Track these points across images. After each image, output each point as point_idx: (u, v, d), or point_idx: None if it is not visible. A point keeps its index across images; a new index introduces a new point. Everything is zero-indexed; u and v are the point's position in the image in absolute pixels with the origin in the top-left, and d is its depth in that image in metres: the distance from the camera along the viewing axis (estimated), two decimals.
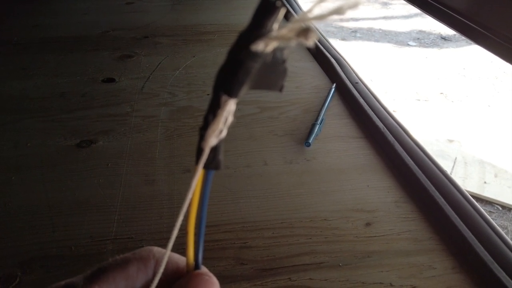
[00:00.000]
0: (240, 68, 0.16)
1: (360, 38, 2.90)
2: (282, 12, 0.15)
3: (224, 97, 0.17)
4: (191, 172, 0.49)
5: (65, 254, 0.38)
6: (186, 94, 0.64)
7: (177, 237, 0.18)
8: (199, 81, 0.68)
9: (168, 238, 0.42)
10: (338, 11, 0.14)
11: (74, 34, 0.84)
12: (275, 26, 0.16)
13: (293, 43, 0.15)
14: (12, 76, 0.68)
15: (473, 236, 0.39)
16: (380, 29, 3.05)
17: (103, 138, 0.54)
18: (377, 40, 2.89)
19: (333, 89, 0.65)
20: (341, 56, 0.75)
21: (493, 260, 0.37)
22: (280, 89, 0.19)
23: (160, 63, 0.73)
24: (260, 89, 0.18)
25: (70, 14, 0.94)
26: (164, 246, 0.22)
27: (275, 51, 0.16)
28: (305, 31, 0.15)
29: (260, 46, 0.15)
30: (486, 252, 0.38)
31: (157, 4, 1.02)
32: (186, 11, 0.98)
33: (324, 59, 0.74)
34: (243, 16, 0.96)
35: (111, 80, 0.67)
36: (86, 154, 0.51)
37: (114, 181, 0.47)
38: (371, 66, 2.47)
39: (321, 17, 0.15)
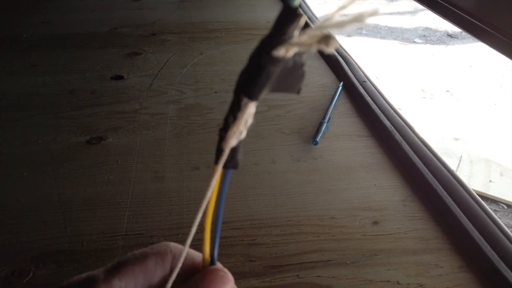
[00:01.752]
0: (261, 73, 0.16)
1: (366, 35, 2.89)
2: (303, 20, 0.16)
3: (245, 100, 0.17)
4: (200, 170, 0.49)
5: (77, 249, 0.39)
6: (194, 92, 0.65)
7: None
8: (207, 78, 0.69)
9: (177, 234, 0.42)
10: (358, 18, 0.15)
11: (82, 31, 0.84)
12: (296, 32, 0.16)
13: (314, 49, 0.16)
14: (22, 73, 0.68)
15: (480, 236, 0.40)
16: (386, 26, 3.04)
17: (113, 135, 0.54)
18: (383, 37, 2.88)
19: (340, 88, 0.65)
20: (348, 55, 0.75)
21: (500, 259, 0.37)
22: (298, 91, 0.19)
23: (167, 60, 0.74)
24: (278, 91, 0.19)
25: (78, 11, 0.95)
26: (175, 242, 0.23)
27: (294, 55, 0.17)
28: (326, 38, 0.15)
29: (281, 52, 0.16)
30: (493, 252, 0.38)
31: (163, 1, 1.02)
32: (193, 9, 0.98)
33: (331, 58, 0.74)
34: (250, 14, 0.96)
35: (119, 78, 0.68)
36: (96, 150, 0.52)
37: (124, 177, 0.48)
38: (377, 63, 2.46)
39: (341, 25, 0.15)
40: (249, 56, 0.17)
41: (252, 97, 0.17)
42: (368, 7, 0.15)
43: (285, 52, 0.16)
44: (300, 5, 0.15)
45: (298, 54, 0.17)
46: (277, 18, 0.16)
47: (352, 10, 0.15)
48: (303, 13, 0.16)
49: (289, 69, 0.17)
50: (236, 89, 0.17)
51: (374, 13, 0.15)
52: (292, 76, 0.18)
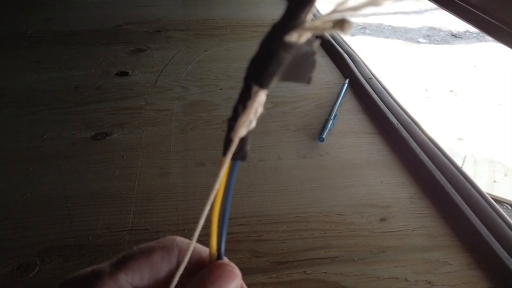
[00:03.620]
0: (273, 59, 0.16)
1: (370, 35, 2.88)
2: (316, 3, 0.15)
3: (255, 88, 0.17)
4: (205, 166, 0.49)
5: (83, 244, 0.39)
6: (199, 88, 0.65)
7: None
8: (212, 75, 0.68)
9: (183, 230, 0.42)
10: (374, 2, 0.14)
11: (87, 27, 0.84)
12: (309, 17, 0.16)
13: (328, 33, 0.15)
14: (27, 69, 0.68)
15: (488, 233, 0.39)
16: (389, 25, 3.03)
17: (118, 131, 0.54)
18: (386, 37, 2.87)
19: (346, 85, 0.65)
20: (354, 52, 0.74)
21: (509, 257, 0.37)
22: (308, 81, 0.19)
23: (172, 57, 0.74)
24: (288, 81, 0.18)
25: (83, 8, 0.95)
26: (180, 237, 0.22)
27: (305, 43, 0.16)
28: (340, 22, 0.15)
29: (293, 37, 0.15)
30: (502, 249, 0.38)
31: None
32: (198, 6, 0.98)
33: (336, 54, 0.74)
34: (255, 11, 0.96)
35: (124, 74, 0.68)
36: (101, 146, 0.52)
37: (129, 173, 0.47)
38: (381, 63, 2.45)
39: (356, 8, 0.15)
40: (260, 42, 0.16)
41: (263, 84, 0.17)
42: None
43: (297, 37, 0.15)
44: None
45: (309, 42, 0.17)
46: (290, 2, 0.15)
47: None
48: None
49: (299, 57, 0.17)
50: (246, 77, 0.17)
51: None
52: (303, 65, 0.18)
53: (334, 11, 0.15)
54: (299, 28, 0.15)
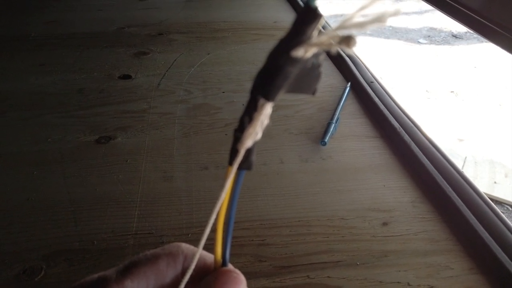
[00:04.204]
0: (279, 73, 0.16)
1: (370, 35, 2.89)
2: (322, 20, 0.16)
3: (261, 100, 0.17)
4: (208, 170, 0.49)
5: (88, 248, 0.39)
6: (202, 92, 0.65)
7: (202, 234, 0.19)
8: (214, 78, 0.69)
9: (187, 234, 0.42)
10: (379, 19, 0.15)
11: (90, 30, 0.85)
12: (315, 33, 0.16)
13: (334, 50, 0.16)
14: (30, 72, 0.69)
15: (490, 237, 0.40)
16: (390, 26, 3.03)
17: (121, 135, 0.55)
18: (387, 37, 2.88)
19: (348, 88, 0.65)
20: (356, 55, 0.75)
21: (510, 261, 0.37)
22: (314, 92, 0.19)
23: (175, 60, 0.74)
24: (294, 92, 0.19)
25: (85, 10, 0.95)
26: (185, 242, 0.23)
27: (312, 56, 0.17)
28: (346, 39, 0.15)
29: (300, 52, 0.16)
30: (503, 254, 0.38)
31: (170, 0, 1.03)
32: (200, 8, 0.99)
33: (338, 58, 0.74)
34: (257, 14, 0.96)
35: (127, 77, 0.68)
36: (105, 150, 0.52)
37: (133, 177, 0.48)
38: (381, 63, 2.45)
39: (362, 25, 0.15)
40: (267, 56, 0.17)
41: (269, 97, 0.17)
42: (389, 7, 0.15)
43: (304, 52, 0.16)
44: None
45: (315, 55, 0.17)
46: (297, 18, 0.16)
47: (372, 10, 0.15)
48: (322, 14, 0.16)
49: (305, 70, 0.17)
50: (252, 89, 0.17)
51: (396, 13, 0.15)
52: (308, 77, 0.18)
53: (340, 27, 0.15)
54: (306, 44, 0.16)
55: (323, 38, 0.16)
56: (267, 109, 0.17)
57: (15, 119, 0.57)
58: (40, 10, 0.94)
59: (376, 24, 0.15)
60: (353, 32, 0.15)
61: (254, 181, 0.48)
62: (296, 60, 0.16)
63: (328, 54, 0.75)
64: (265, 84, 0.17)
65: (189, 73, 0.70)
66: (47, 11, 0.94)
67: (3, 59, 0.73)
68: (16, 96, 0.62)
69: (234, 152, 0.18)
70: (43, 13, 0.93)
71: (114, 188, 0.46)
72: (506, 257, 0.38)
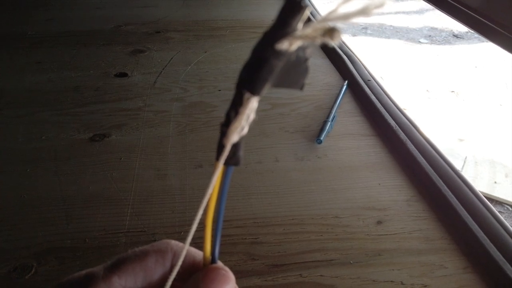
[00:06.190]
0: (264, 66, 0.16)
1: (371, 35, 2.88)
2: (307, 12, 0.15)
3: (247, 95, 0.17)
4: (203, 167, 0.49)
5: (79, 246, 0.39)
6: (198, 90, 0.65)
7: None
8: (211, 76, 0.69)
9: (180, 232, 0.42)
10: (364, 11, 0.14)
11: (87, 28, 0.84)
12: (300, 25, 0.16)
13: (318, 42, 0.15)
14: (26, 70, 0.68)
15: (485, 236, 0.39)
16: (391, 25, 3.03)
17: (116, 132, 0.54)
18: (388, 37, 2.87)
19: (345, 86, 0.65)
20: (353, 53, 0.74)
21: (505, 261, 0.37)
22: (301, 87, 0.19)
23: (172, 58, 0.74)
24: (281, 87, 0.18)
25: (83, 8, 0.95)
26: (176, 240, 0.22)
27: (298, 50, 0.16)
28: (330, 31, 0.15)
29: (284, 45, 0.15)
30: (498, 253, 0.38)
31: None
32: (198, 6, 0.98)
33: (336, 56, 0.74)
34: (254, 12, 0.96)
35: (123, 75, 0.68)
36: (99, 147, 0.52)
37: (126, 175, 0.47)
38: (382, 63, 2.45)
39: (346, 17, 0.15)
40: (251, 49, 0.16)
41: (255, 91, 0.17)
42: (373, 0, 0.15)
43: (288, 45, 0.16)
44: None
45: (301, 49, 0.17)
46: (281, 10, 0.15)
47: (358, 3, 0.15)
48: (307, 5, 0.16)
49: (292, 64, 0.17)
50: (238, 83, 0.17)
51: (380, 5, 0.14)
52: (295, 71, 0.18)
53: (324, 19, 0.15)
54: (290, 36, 0.15)
55: (308, 31, 0.15)
56: (253, 103, 0.17)
57: (11, 116, 0.57)
58: (38, 8, 0.94)
59: (361, 16, 0.14)
60: (337, 24, 0.15)
61: (249, 179, 0.47)
62: (281, 53, 0.16)
63: (326, 52, 0.74)
64: (250, 78, 0.17)
65: (186, 71, 0.70)
66: (44, 9, 0.94)
67: (0, 57, 0.72)
68: (12, 93, 0.62)
69: (220, 147, 0.18)
70: (40, 11, 0.92)
71: (107, 186, 0.46)
72: (501, 256, 0.37)
